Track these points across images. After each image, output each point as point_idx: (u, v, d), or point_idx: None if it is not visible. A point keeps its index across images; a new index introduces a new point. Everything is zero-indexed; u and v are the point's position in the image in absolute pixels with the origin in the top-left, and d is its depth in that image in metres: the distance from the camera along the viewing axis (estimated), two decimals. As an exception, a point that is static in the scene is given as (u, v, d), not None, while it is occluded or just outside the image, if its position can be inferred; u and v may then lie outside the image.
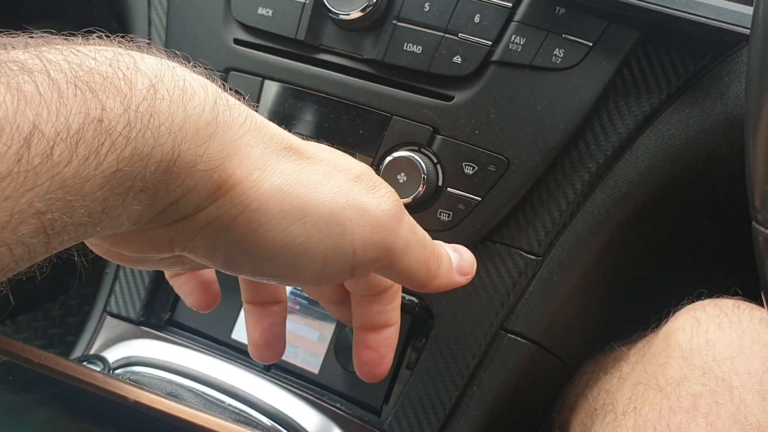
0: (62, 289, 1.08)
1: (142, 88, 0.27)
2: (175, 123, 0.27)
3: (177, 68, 0.29)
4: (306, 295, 0.62)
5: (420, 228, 0.37)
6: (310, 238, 0.31)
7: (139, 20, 0.65)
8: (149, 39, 0.64)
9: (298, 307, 0.61)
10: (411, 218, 0.36)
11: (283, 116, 0.56)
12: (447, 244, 0.41)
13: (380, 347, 0.41)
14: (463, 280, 0.40)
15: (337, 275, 0.34)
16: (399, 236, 0.34)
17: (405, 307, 0.56)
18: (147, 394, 0.36)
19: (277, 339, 0.43)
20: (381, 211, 0.33)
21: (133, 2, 0.65)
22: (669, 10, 0.46)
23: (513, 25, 0.50)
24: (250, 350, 0.43)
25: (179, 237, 0.31)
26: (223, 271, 0.34)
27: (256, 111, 0.33)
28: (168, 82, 0.28)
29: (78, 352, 0.66)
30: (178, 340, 0.64)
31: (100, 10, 0.75)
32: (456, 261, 0.40)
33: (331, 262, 0.32)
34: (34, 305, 0.98)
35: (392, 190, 0.36)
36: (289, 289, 0.61)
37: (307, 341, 0.60)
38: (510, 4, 0.50)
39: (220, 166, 0.29)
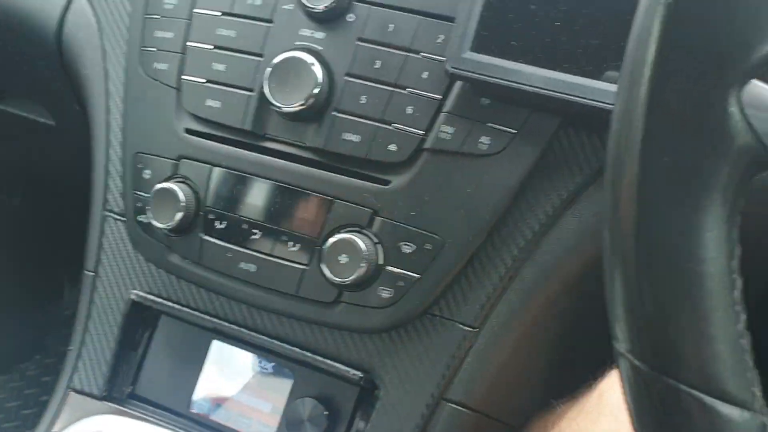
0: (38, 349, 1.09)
1: None
2: None
3: None
4: (261, 365, 0.64)
5: None
6: None
7: (97, 107, 0.68)
8: (107, 124, 0.67)
9: (251, 377, 0.64)
10: None
11: (231, 201, 0.59)
12: None
13: None
14: None
15: None
16: None
17: (350, 380, 0.59)
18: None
19: None
20: None
21: (93, 94, 0.68)
22: (582, 100, 0.50)
23: (442, 115, 0.54)
24: None
25: None
26: None
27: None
28: None
29: (42, 430, 0.68)
30: (140, 414, 0.66)
31: (63, 94, 0.79)
32: None
33: None
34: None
35: None
36: (247, 359, 0.64)
37: (260, 413, 0.62)
38: (439, 97, 0.54)
39: None
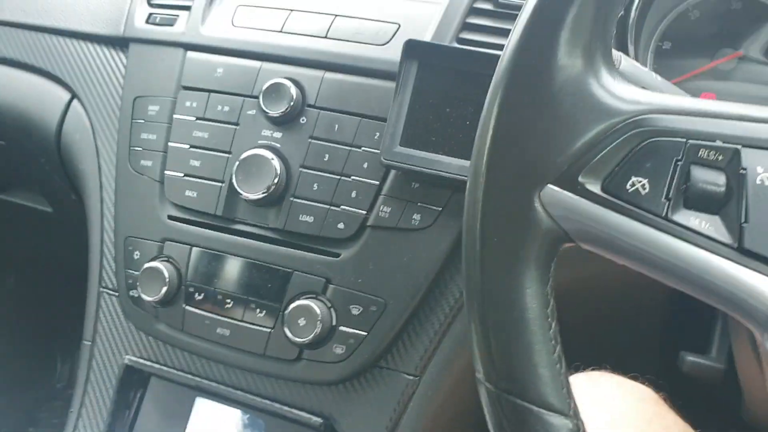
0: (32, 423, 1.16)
1: None
2: None
3: None
4: (238, 416, 0.73)
5: None
6: None
7: (92, 198, 0.79)
8: (101, 213, 0.78)
9: (229, 428, 0.73)
10: None
11: (208, 275, 0.70)
12: None
13: None
14: None
15: None
16: None
17: (313, 426, 0.68)
18: None
19: None
20: None
21: (89, 186, 0.79)
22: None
23: (381, 197, 0.66)
24: None
25: None
26: None
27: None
28: None
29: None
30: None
31: (61, 186, 0.90)
32: None
33: None
34: None
35: None
36: (225, 412, 0.73)
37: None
38: (378, 182, 0.66)
39: None
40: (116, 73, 0.80)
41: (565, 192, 0.36)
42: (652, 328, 0.86)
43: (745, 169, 0.35)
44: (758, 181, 0.34)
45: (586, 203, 0.35)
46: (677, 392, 0.62)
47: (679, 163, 0.35)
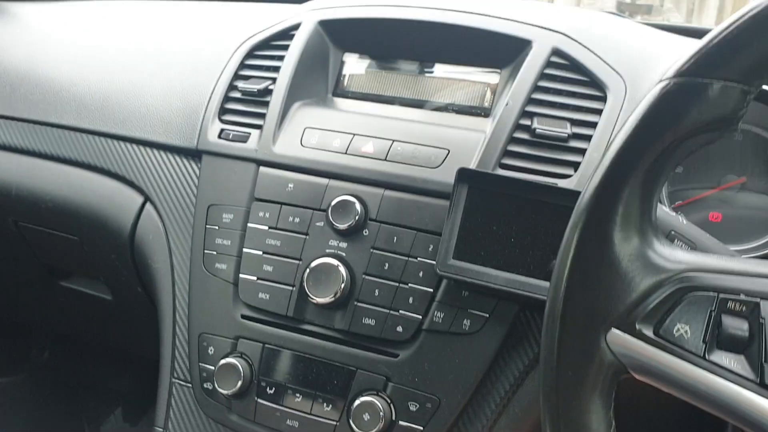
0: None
1: None
2: None
3: None
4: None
5: None
6: None
7: (165, 294, 0.88)
8: (173, 307, 0.86)
9: None
10: None
11: (279, 371, 0.78)
12: None
13: None
14: None
15: None
16: None
17: None
18: None
19: None
20: None
21: (161, 282, 0.88)
22: (531, 294, 0.70)
23: (435, 304, 0.74)
24: None
25: None
26: None
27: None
28: None
29: None
30: None
31: (128, 278, 0.98)
32: None
33: None
34: None
35: None
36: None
37: None
38: (431, 290, 0.75)
39: None
40: (189, 180, 0.90)
41: (626, 335, 0.45)
42: None
43: (764, 318, 0.44)
44: (776, 328, 0.44)
45: (641, 344, 0.45)
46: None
47: (713, 312, 0.44)
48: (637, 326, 0.45)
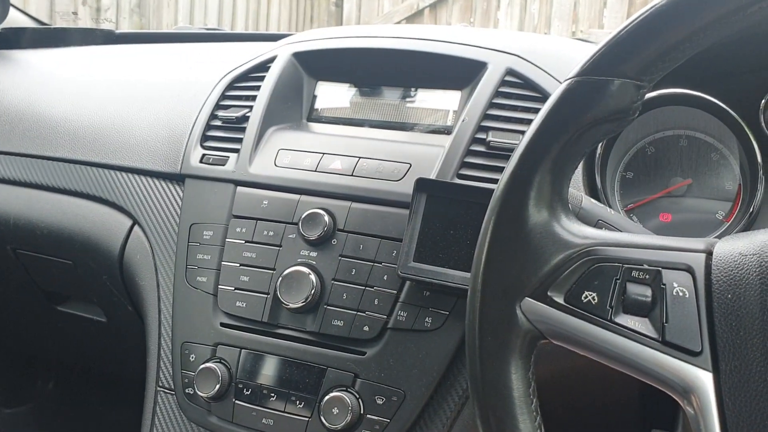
0: None
1: None
2: None
3: None
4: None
5: None
6: None
7: (151, 308, 0.93)
8: (159, 321, 0.92)
9: None
10: None
11: (254, 373, 0.83)
12: None
13: None
14: None
15: None
16: None
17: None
18: None
19: None
20: None
21: (147, 298, 0.94)
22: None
23: (399, 304, 0.80)
24: None
25: None
26: None
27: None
28: None
29: None
30: None
31: (119, 299, 1.04)
32: None
33: None
34: None
35: None
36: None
37: None
38: (395, 291, 0.80)
39: None
40: (173, 203, 0.96)
41: (539, 303, 0.50)
42: (627, 409, 0.98)
43: (664, 284, 0.49)
44: (674, 293, 0.49)
45: (553, 311, 0.50)
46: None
47: (618, 281, 0.50)
48: (549, 294, 0.50)
